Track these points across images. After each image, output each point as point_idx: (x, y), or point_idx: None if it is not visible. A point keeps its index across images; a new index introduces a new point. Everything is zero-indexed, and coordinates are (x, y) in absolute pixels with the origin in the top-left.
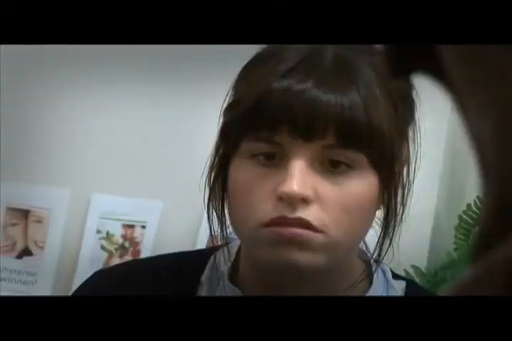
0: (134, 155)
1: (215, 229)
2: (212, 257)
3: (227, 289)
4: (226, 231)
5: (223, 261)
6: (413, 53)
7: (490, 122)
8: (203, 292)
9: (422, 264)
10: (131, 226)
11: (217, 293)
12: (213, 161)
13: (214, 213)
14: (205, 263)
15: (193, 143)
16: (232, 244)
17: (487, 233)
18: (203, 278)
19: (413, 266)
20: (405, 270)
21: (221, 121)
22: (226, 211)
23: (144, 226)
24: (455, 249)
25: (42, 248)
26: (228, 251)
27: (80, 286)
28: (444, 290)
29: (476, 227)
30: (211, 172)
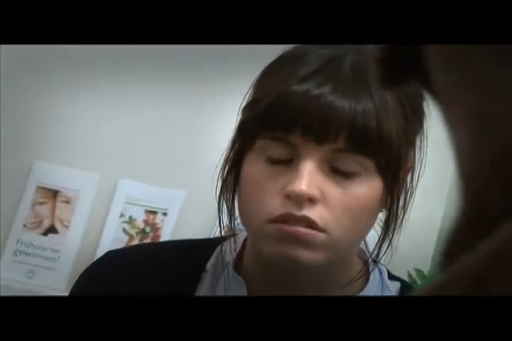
0: (163, 146)
1: (224, 220)
2: (219, 246)
3: (231, 277)
4: (234, 223)
5: (229, 251)
6: (403, 62)
7: (469, 132)
8: (207, 278)
9: (426, 268)
10: (154, 213)
11: (221, 281)
12: (228, 155)
13: (224, 205)
14: (212, 252)
15: (220, 137)
16: (239, 235)
17: (457, 242)
18: (209, 265)
19: (416, 269)
20: (408, 272)
21: (239, 118)
22: (236, 204)
23: (165, 214)
24: None
25: (67, 227)
26: (235, 242)
27: (91, 264)
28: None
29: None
30: (225, 165)
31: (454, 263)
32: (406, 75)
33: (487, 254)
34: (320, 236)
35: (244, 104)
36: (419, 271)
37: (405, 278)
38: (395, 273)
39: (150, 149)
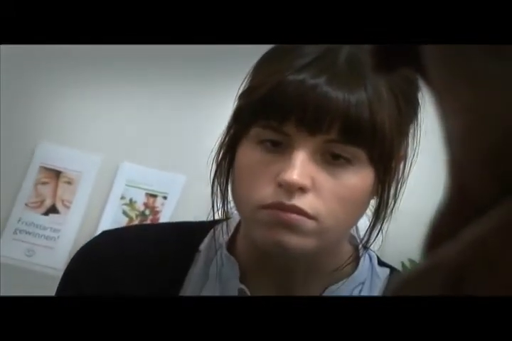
0: (165, 131)
1: (218, 204)
2: (213, 229)
3: (224, 258)
4: (227, 207)
5: (222, 234)
6: (398, 50)
7: (460, 122)
8: (200, 259)
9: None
10: (154, 196)
11: (214, 261)
12: (223, 140)
13: (218, 189)
14: (206, 234)
15: (222, 124)
16: (233, 218)
17: (440, 230)
18: (202, 246)
19: (410, 260)
20: (402, 262)
21: (235, 105)
22: (229, 188)
23: (165, 197)
24: None
25: (68, 207)
26: (227, 225)
27: (86, 243)
28: (392, 283)
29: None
30: (220, 150)
31: (436, 250)
32: (401, 62)
33: (469, 243)
34: (310, 223)
35: (240, 91)
36: (412, 262)
37: (399, 268)
38: (389, 263)
39: (153, 133)
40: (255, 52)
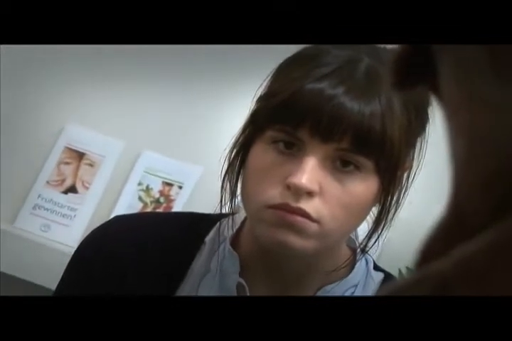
0: (188, 124)
1: (226, 199)
2: (219, 223)
3: (226, 252)
4: (235, 202)
5: (228, 228)
6: (415, 66)
7: (465, 143)
8: (204, 250)
9: None
10: (170, 185)
11: (216, 254)
12: (238, 139)
13: (228, 184)
14: (212, 227)
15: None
16: (239, 213)
17: (434, 245)
18: (207, 239)
19: (408, 268)
20: (399, 269)
21: (253, 107)
22: (239, 185)
23: (180, 187)
24: None
25: (87, 188)
26: (233, 220)
27: (99, 226)
28: (382, 290)
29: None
30: (233, 148)
31: (426, 264)
32: (418, 80)
33: (458, 261)
34: (313, 226)
35: (259, 94)
36: (409, 269)
37: (396, 274)
38: (385, 269)
39: (175, 125)
40: (276, 51)
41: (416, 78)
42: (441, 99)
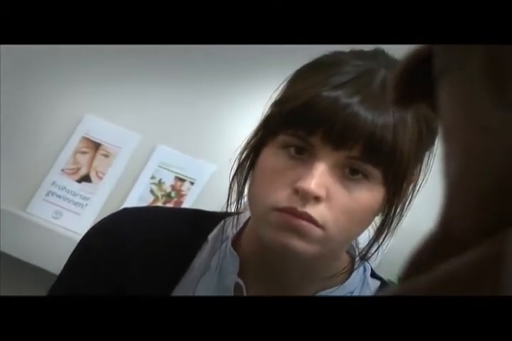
0: (204, 122)
1: (232, 198)
2: (223, 221)
3: (227, 251)
4: (240, 202)
5: (231, 227)
6: (416, 86)
7: (456, 163)
8: (206, 248)
9: None
10: (182, 180)
11: (217, 253)
12: (250, 141)
13: (235, 185)
14: (216, 225)
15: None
16: (243, 213)
17: (419, 260)
18: (210, 236)
19: (390, 281)
20: (399, 276)
21: (267, 111)
22: (246, 186)
23: (192, 183)
24: None
25: (101, 178)
26: (237, 219)
27: (106, 217)
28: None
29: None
30: (244, 150)
31: (412, 277)
32: (415, 98)
33: (442, 276)
34: (317, 231)
35: (274, 99)
36: (393, 283)
37: (396, 282)
38: (384, 277)
39: (194, 122)
40: (293, 53)
41: (415, 96)
42: (439, 119)
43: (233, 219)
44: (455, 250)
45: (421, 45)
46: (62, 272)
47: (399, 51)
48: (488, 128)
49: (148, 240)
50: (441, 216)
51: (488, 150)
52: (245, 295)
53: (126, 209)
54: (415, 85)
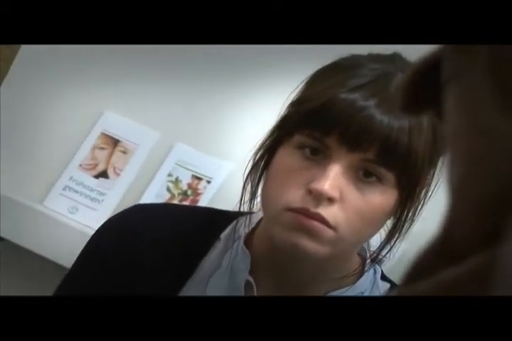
0: (223, 121)
1: (246, 198)
2: (236, 220)
3: (239, 249)
4: (254, 202)
5: (244, 226)
6: (424, 94)
7: (459, 170)
8: (218, 246)
9: None
10: (199, 179)
11: (229, 252)
12: (265, 141)
13: (249, 184)
14: (229, 223)
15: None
16: (256, 213)
17: (419, 268)
18: (223, 235)
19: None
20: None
21: (284, 111)
22: (260, 186)
23: (209, 182)
24: None
25: (118, 174)
26: (250, 219)
27: (119, 213)
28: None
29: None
30: (259, 150)
31: (413, 283)
32: (423, 106)
33: (442, 284)
34: (329, 232)
35: (291, 100)
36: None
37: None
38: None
39: (212, 121)
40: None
41: (422, 104)
42: (444, 125)
43: (246, 218)
44: (456, 255)
45: (428, 53)
46: (72, 268)
47: (409, 52)
48: (492, 134)
49: (160, 237)
50: (444, 222)
51: (490, 156)
52: (255, 293)
53: (138, 206)
54: (423, 93)
